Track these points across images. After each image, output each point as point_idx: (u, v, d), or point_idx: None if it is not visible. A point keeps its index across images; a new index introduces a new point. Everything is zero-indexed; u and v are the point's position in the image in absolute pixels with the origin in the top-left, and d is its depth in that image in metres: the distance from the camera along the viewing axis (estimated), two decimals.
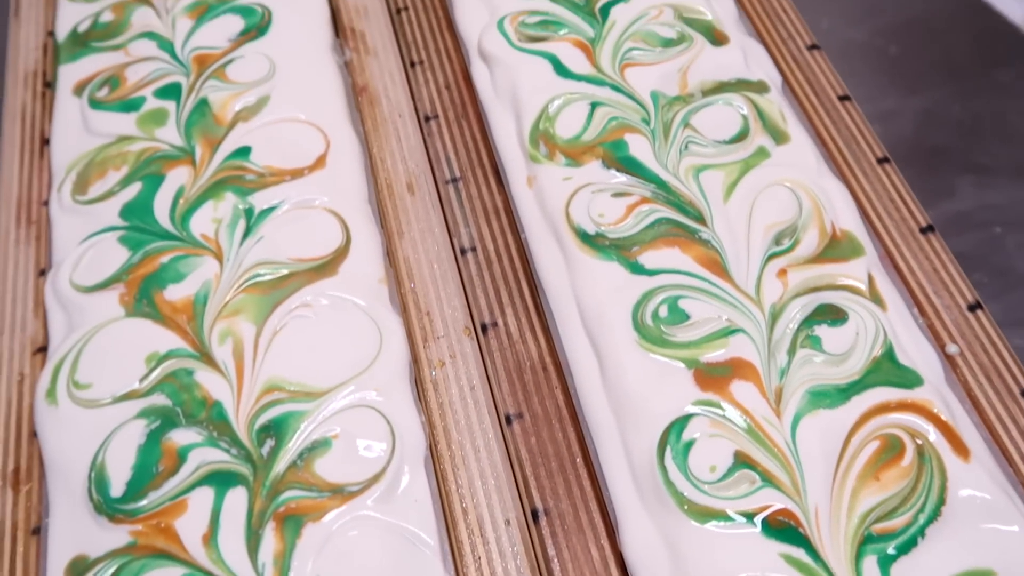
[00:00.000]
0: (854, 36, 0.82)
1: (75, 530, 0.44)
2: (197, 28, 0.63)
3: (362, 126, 0.60)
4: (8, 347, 0.52)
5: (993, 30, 0.82)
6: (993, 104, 0.77)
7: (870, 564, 0.40)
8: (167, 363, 0.48)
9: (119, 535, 0.43)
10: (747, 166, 0.53)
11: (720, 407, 0.44)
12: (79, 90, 0.61)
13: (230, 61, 0.61)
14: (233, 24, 0.63)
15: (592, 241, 0.50)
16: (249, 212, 0.53)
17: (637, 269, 0.49)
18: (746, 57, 0.58)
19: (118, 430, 0.46)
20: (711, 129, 0.55)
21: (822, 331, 0.47)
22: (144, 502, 0.44)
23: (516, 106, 0.57)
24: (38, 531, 0.46)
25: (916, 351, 0.47)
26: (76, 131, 0.59)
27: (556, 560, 0.44)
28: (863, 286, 0.48)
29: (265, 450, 0.45)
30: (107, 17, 0.65)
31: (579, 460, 0.47)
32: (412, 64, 0.63)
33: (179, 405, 0.47)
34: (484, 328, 0.51)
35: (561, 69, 0.58)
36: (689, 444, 0.44)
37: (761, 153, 0.53)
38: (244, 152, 0.56)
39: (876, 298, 0.48)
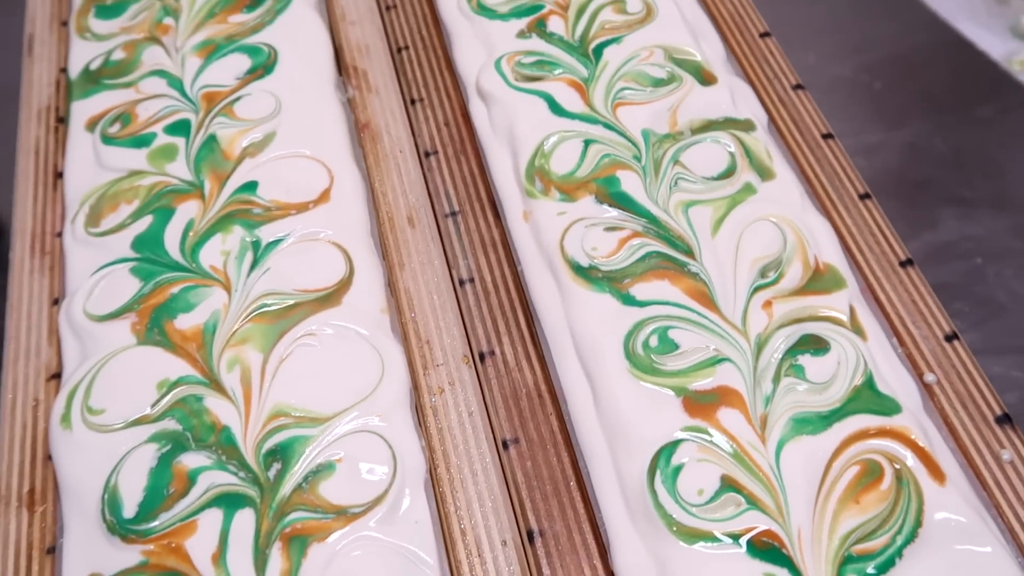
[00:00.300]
0: (840, 72, 0.84)
1: (89, 550, 0.45)
2: (206, 66, 0.64)
3: (364, 161, 0.60)
4: (24, 373, 0.53)
5: (974, 66, 0.84)
6: (974, 138, 0.78)
7: None
8: (177, 389, 0.49)
9: (131, 555, 0.44)
10: (734, 202, 0.54)
11: (708, 433, 0.45)
12: (91, 126, 0.62)
13: (238, 99, 0.61)
14: (240, 63, 0.64)
15: (585, 273, 0.51)
16: (256, 244, 0.54)
17: (629, 300, 0.50)
18: (733, 97, 0.59)
19: (130, 454, 0.47)
20: (700, 166, 0.55)
21: (805, 360, 0.48)
22: (155, 523, 0.45)
23: (513, 143, 0.58)
24: (53, 551, 0.47)
25: (895, 380, 0.47)
26: (89, 165, 0.60)
27: None
28: (845, 317, 0.49)
29: (272, 473, 0.46)
30: (118, 55, 0.65)
31: (573, 483, 0.48)
32: (412, 102, 0.64)
33: (189, 430, 0.48)
34: (482, 356, 0.52)
35: (556, 108, 0.59)
36: (678, 468, 0.44)
37: (747, 189, 0.54)
38: (251, 187, 0.57)
39: (857, 329, 0.49)
